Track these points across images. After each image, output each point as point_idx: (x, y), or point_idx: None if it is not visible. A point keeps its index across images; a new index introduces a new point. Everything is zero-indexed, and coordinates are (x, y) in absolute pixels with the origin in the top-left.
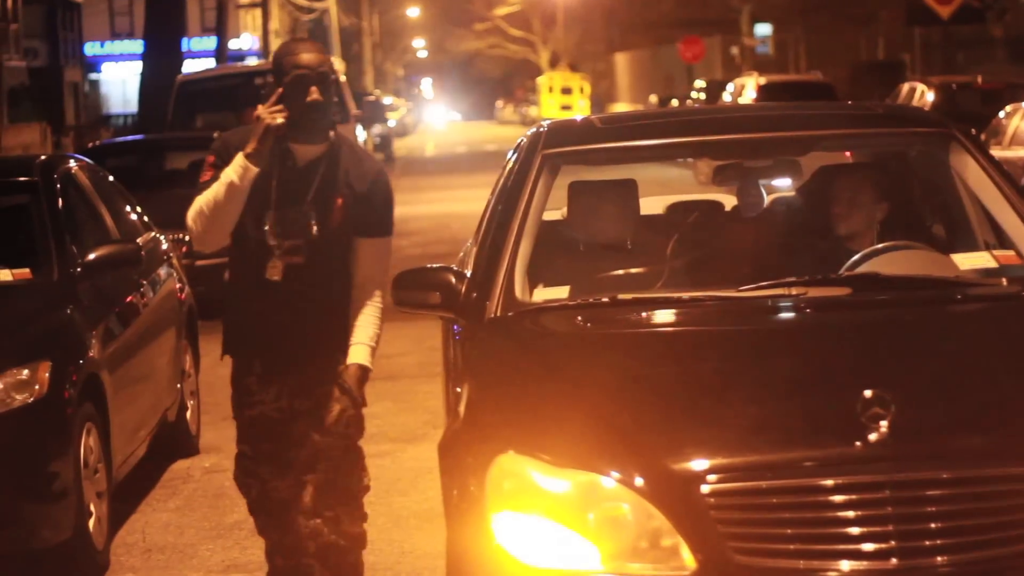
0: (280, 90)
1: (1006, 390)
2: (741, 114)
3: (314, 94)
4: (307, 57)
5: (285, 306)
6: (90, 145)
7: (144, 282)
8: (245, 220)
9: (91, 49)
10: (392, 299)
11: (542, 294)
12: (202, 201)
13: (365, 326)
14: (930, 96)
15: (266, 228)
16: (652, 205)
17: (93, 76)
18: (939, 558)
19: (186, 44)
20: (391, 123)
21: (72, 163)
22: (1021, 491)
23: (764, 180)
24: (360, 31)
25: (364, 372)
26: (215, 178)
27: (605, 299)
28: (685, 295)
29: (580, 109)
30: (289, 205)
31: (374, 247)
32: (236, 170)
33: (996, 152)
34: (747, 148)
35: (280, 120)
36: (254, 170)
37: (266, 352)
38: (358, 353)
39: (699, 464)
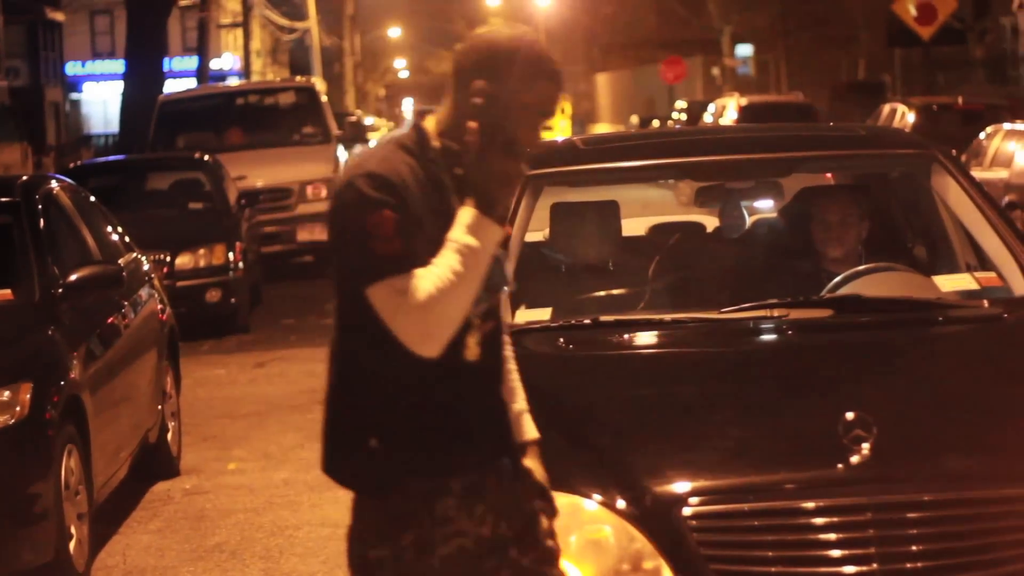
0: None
1: (988, 412)
2: (723, 135)
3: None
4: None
5: (484, 393)
6: (71, 165)
7: (125, 303)
8: None
9: (72, 69)
10: None
11: (524, 315)
12: (430, 288)
13: (517, 386)
14: (911, 117)
15: None
16: (634, 226)
17: (74, 96)
18: None
19: (167, 64)
20: (372, 143)
21: (54, 183)
22: (1002, 513)
23: (746, 201)
24: (341, 51)
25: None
26: (410, 246)
27: (587, 321)
28: (667, 316)
29: (561, 130)
30: None
31: None
32: (476, 234)
33: (977, 173)
34: (729, 169)
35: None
36: (502, 234)
37: (467, 463)
38: (530, 424)
39: (681, 487)
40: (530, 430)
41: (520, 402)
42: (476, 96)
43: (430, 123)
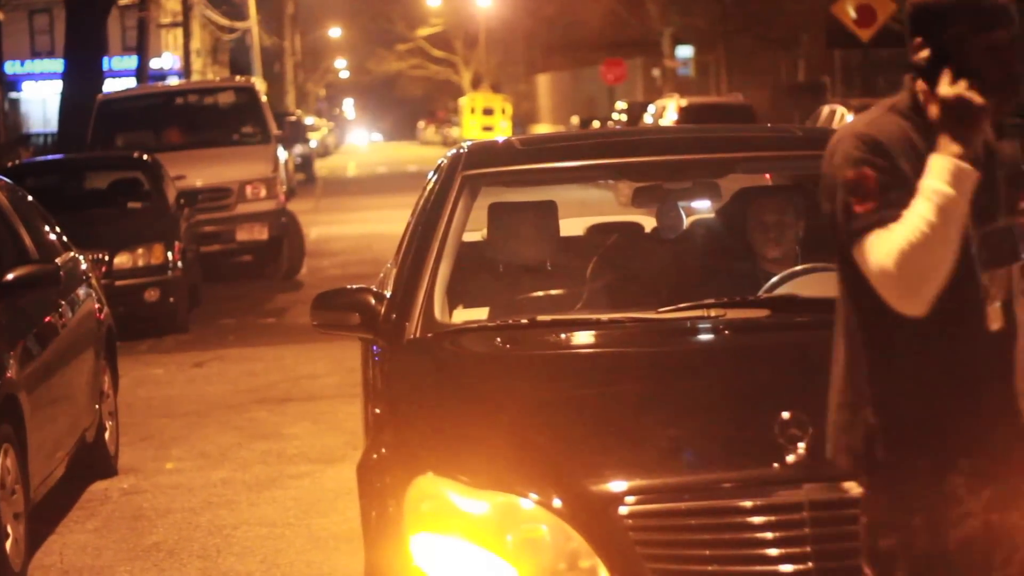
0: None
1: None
2: (661, 136)
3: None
4: None
5: (1003, 369)
6: (9, 164)
7: (63, 302)
8: None
9: (11, 68)
10: (311, 320)
11: (462, 315)
12: (901, 241)
13: None
14: (850, 118)
15: (971, 256)
16: (572, 226)
17: (13, 95)
18: None
19: (107, 63)
20: (312, 143)
21: None
22: None
23: (683, 202)
24: (282, 51)
25: None
26: (891, 202)
27: (524, 320)
28: (604, 317)
29: (502, 130)
30: (985, 217)
31: None
32: (942, 177)
33: None
34: (666, 170)
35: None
36: (971, 171)
37: (978, 440)
38: None
39: (617, 485)
40: None
41: None
42: (915, 55)
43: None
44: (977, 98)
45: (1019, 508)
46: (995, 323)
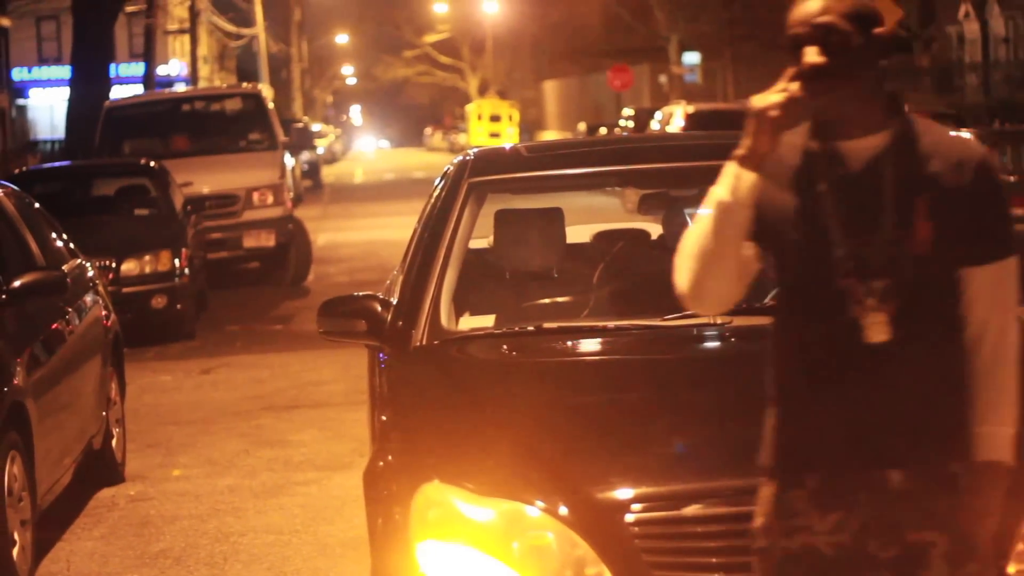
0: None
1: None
2: (667, 143)
3: (812, 56)
4: (802, 9)
5: (883, 384)
6: (16, 171)
7: (70, 309)
8: (791, 262)
9: (18, 74)
10: (317, 327)
11: (468, 322)
12: (685, 240)
13: (996, 401)
14: None
15: (832, 266)
16: (578, 233)
17: (20, 102)
18: None
19: (114, 70)
20: (320, 150)
21: None
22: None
23: (689, 209)
24: (289, 58)
25: (1000, 480)
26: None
27: (531, 328)
28: (610, 324)
29: (509, 137)
30: (863, 227)
31: (987, 277)
32: (725, 181)
33: None
34: (672, 177)
35: (775, 103)
36: (749, 178)
37: (831, 460)
38: (990, 443)
39: (623, 493)
40: (987, 448)
41: (988, 414)
42: None
43: None
44: (757, 98)
45: (886, 543)
46: (877, 336)
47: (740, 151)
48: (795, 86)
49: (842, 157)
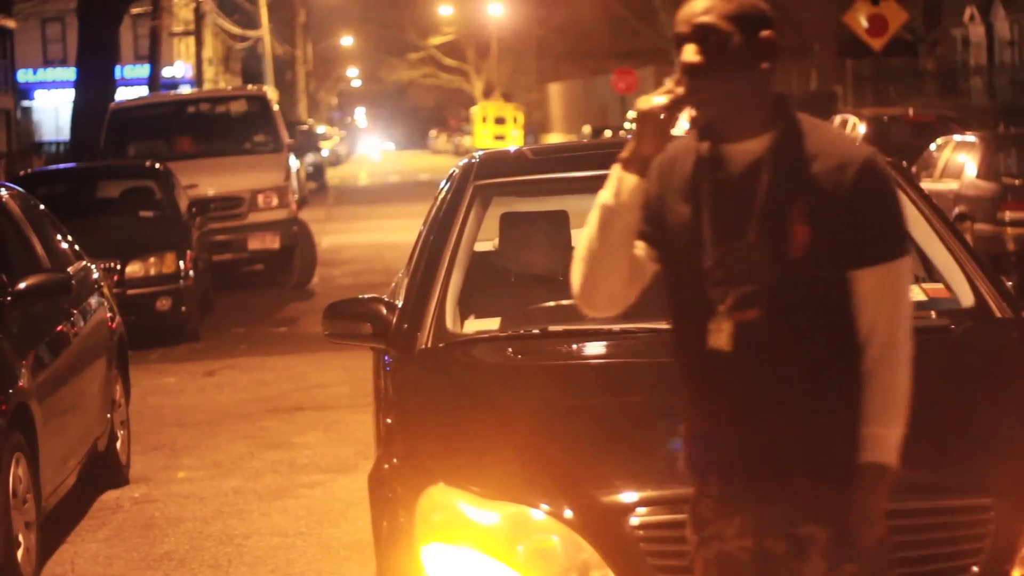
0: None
1: (937, 424)
2: None
3: (689, 55)
4: (688, 8)
5: (741, 390)
6: (22, 173)
7: (75, 311)
8: (676, 267)
9: (24, 76)
10: (322, 329)
11: (473, 325)
12: (578, 242)
13: (881, 403)
14: (862, 128)
15: (704, 273)
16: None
17: (25, 103)
18: None
19: (119, 72)
20: (324, 152)
21: (3, 191)
22: (959, 523)
23: None
24: (294, 60)
25: (883, 481)
26: None
27: (536, 331)
28: (615, 327)
29: (513, 139)
30: (730, 234)
31: (874, 279)
32: (609, 185)
33: (926, 184)
34: None
35: (659, 106)
36: (631, 180)
37: (723, 464)
38: (873, 445)
39: (628, 496)
40: (869, 451)
41: (873, 417)
42: None
43: None
44: (642, 100)
45: (779, 538)
46: (718, 342)
47: (624, 153)
48: (680, 88)
49: (724, 161)
